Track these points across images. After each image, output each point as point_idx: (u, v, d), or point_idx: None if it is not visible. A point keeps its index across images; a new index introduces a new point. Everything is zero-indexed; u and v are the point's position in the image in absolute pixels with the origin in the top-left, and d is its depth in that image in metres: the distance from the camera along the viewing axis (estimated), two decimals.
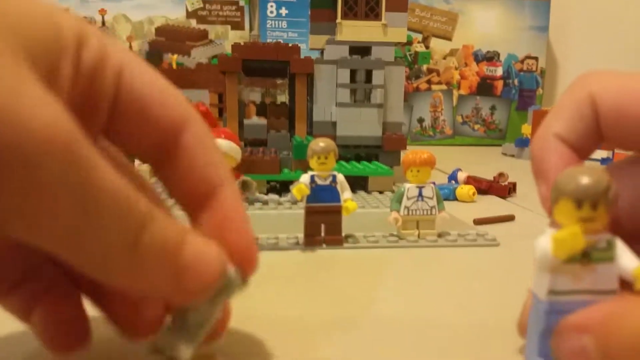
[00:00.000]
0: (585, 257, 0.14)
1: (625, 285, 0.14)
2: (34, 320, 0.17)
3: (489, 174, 0.57)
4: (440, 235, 0.35)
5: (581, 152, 0.17)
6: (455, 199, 0.51)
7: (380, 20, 0.58)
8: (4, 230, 0.11)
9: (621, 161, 0.18)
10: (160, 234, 0.13)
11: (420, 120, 1.17)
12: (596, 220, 0.14)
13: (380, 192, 0.54)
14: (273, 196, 0.34)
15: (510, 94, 1.17)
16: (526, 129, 0.95)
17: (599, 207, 0.14)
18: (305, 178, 0.32)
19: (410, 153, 0.34)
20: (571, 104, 0.16)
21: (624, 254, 0.14)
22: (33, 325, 0.17)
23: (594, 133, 0.16)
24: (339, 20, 0.58)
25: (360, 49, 0.59)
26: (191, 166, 0.15)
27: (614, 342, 0.13)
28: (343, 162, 0.58)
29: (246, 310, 0.20)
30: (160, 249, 0.13)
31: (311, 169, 0.33)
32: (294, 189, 0.32)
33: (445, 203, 0.35)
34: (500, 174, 0.55)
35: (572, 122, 0.16)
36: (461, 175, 0.57)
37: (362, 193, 0.54)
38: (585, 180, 0.14)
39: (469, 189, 0.50)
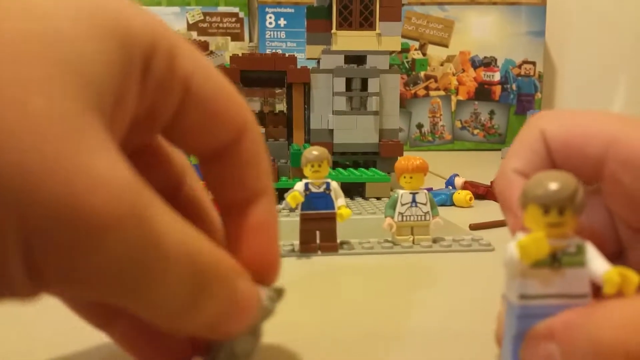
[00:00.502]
0: (556, 261, 0.14)
1: (598, 289, 0.14)
2: (118, 330, 0.17)
3: (488, 179, 0.57)
4: (435, 241, 0.36)
5: None
6: (452, 204, 0.51)
7: (375, 29, 0.59)
8: (57, 286, 0.11)
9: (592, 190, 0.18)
10: (220, 278, 0.14)
11: (420, 126, 1.17)
12: (564, 225, 0.14)
13: (378, 199, 0.54)
14: None
15: (509, 99, 1.17)
16: None
17: (566, 212, 0.14)
18: (299, 186, 0.33)
19: (403, 159, 0.34)
20: (526, 142, 0.17)
21: (594, 258, 0.14)
22: (115, 335, 0.17)
23: (550, 166, 0.17)
24: (334, 30, 0.59)
25: (356, 58, 0.60)
26: (242, 170, 0.16)
27: (576, 348, 0.13)
28: (340, 169, 0.58)
29: None
30: (220, 291, 0.14)
31: (306, 177, 0.33)
32: (289, 197, 0.32)
33: (443, 208, 0.36)
34: None
35: (528, 158, 0.17)
36: (458, 181, 0.58)
37: (359, 199, 0.54)
38: (551, 185, 0.14)
39: (466, 194, 0.51)
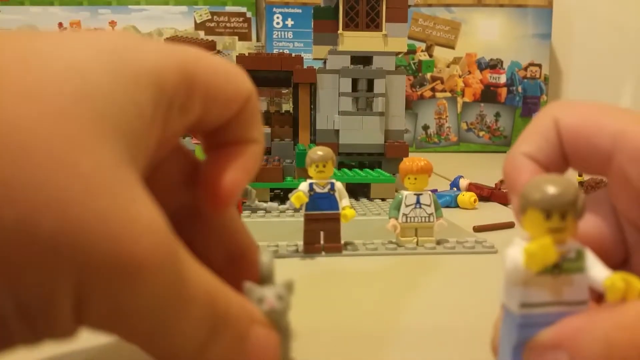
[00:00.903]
0: (556, 268, 0.14)
1: (596, 295, 0.14)
2: None
3: (493, 181, 0.57)
4: (439, 243, 0.36)
5: (550, 171, 0.18)
6: (456, 206, 0.51)
7: (381, 30, 0.59)
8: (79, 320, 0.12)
9: (590, 196, 0.18)
10: (234, 322, 0.14)
11: (425, 128, 1.17)
12: (565, 230, 0.14)
13: (383, 200, 0.54)
14: (272, 204, 0.35)
15: (515, 101, 1.17)
16: None
17: (567, 217, 0.13)
18: (304, 186, 0.33)
19: (407, 161, 0.34)
20: (538, 129, 0.18)
21: (594, 264, 0.14)
22: None
23: (560, 155, 0.17)
24: (340, 31, 0.59)
25: (362, 59, 0.60)
26: (242, 130, 0.17)
27: (587, 354, 0.13)
28: (346, 170, 0.58)
29: None
30: (232, 334, 0.14)
31: (310, 177, 0.34)
32: (293, 197, 0.33)
33: (447, 210, 0.36)
34: (502, 181, 0.55)
35: (539, 144, 0.17)
36: (463, 182, 0.58)
37: (364, 200, 0.54)
38: (553, 189, 0.13)
39: (470, 196, 0.51)
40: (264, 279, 0.17)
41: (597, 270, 0.14)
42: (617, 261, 0.18)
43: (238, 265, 0.17)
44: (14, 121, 0.11)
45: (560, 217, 0.13)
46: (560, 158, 0.17)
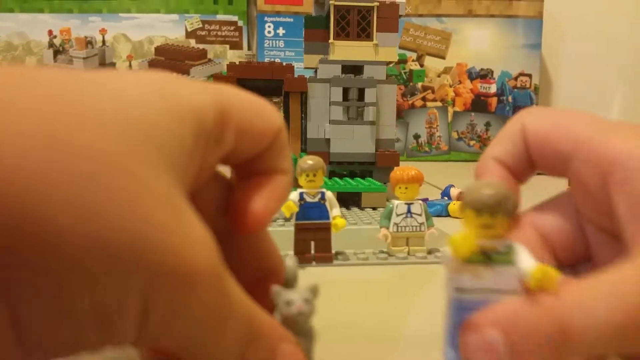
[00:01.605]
0: (487, 259, 0.16)
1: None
2: None
3: None
4: (430, 252, 0.35)
5: (517, 175, 0.19)
6: (447, 215, 0.51)
7: (372, 40, 0.59)
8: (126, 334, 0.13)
9: (554, 197, 0.20)
10: (266, 339, 0.15)
11: (416, 137, 1.18)
12: (495, 226, 0.15)
13: (374, 209, 0.54)
14: None
15: (505, 111, 1.18)
16: None
17: (497, 215, 0.15)
18: (293, 195, 0.33)
19: (398, 170, 0.34)
20: (507, 134, 0.19)
21: (523, 257, 0.16)
22: None
23: (526, 159, 0.19)
24: (331, 40, 0.59)
25: (353, 68, 0.60)
26: (272, 161, 0.18)
27: (520, 336, 0.14)
28: (337, 179, 0.58)
29: None
30: (263, 350, 0.15)
31: (300, 186, 0.33)
32: (283, 207, 0.32)
33: (438, 219, 0.36)
34: None
35: (507, 148, 0.19)
36: (454, 191, 0.58)
37: (355, 209, 0.54)
38: (484, 192, 0.15)
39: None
40: (289, 282, 0.19)
41: (525, 263, 0.16)
42: (580, 258, 0.19)
43: (266, 283, 0.18)
44: (93, 146, 0.12)
45: (490, 215, 0.15)
46: (526, 161, 0.19)
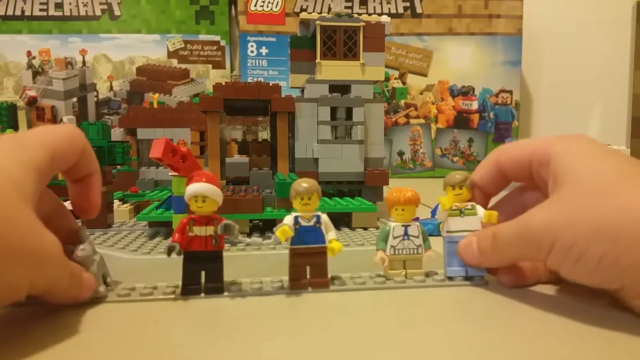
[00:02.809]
0: (461, 213, 0.34)
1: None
2: None
3: None
4: (428, 275, 0.35)
5: (489, 192, 0.35)
6: (439, 234, 0.50)
7: (359, 59, 0.59)
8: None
9: (512, 191, 0.36)
10: (77, 274, 0.29)
11: (401, 154, 1.18)
12: (462, 195, 0.34)
13: (365, 229, 0.53)
14: (257, 239, 0.33)
15: (487, 127, 1.19)
16: None
17: (463, 188, 0.34)
18: (288, 220, 0.32)
19: (395, 191, 0.33)
20: (485, 164, 0.35)
21: (480, 211, 0.33)
22: None
23: (497, 180, 0.34)
24: (318, 60, 0.59)
25: (340, 87, 0.60)
26: (87, 166, 0.32)
27: (479, 238, 0.32)
28: (326, 199, 0.57)
29: None
30: (77, 281, 0.29)
31: (295, 209, 0.32)
32: (278, 231, 0.31)
33: (430, 239, 0.35)
34: None
35: (482, 174, 0.35)
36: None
37: (346, 230, 0.53)
38: (456, 176, 0.34)
39: None
40: (81, 240, 0.32)
41: (481, 213, 0.33)
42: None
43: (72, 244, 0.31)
44: None
45: (459, 188, 0.34)
46: (497, 182, 0.34)
